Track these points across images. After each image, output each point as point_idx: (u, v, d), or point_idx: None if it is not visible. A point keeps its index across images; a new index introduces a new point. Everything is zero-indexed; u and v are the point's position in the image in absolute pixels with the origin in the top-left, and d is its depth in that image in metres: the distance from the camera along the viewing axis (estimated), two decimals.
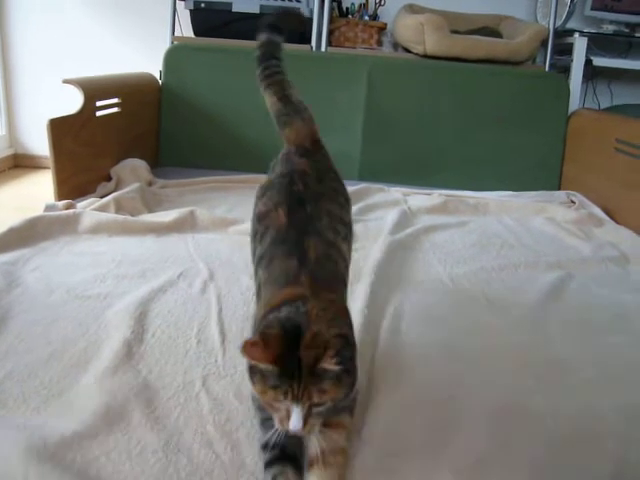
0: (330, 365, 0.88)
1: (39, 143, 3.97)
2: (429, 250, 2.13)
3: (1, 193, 3.29)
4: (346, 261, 1.26)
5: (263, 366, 0.91)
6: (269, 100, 1.51)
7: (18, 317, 1.48)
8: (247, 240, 2.06)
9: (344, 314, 1.08)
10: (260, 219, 1.28)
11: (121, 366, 1.31)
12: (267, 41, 1.54)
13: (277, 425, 0.95)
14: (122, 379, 1.26)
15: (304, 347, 0.91)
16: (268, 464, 1.01)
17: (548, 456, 1.11)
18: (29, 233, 1.95)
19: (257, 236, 1.28)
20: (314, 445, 0.97)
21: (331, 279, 1.16)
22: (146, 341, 1.41)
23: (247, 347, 0.90)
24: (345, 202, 1.37)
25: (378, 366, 1.36)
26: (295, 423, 0.91)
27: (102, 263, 1.81)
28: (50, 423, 1.11)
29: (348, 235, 1.32)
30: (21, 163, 4.04)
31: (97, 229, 2.04)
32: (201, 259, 1.89)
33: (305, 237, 1.17)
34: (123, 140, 2.91)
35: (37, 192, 3.29)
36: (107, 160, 2.76)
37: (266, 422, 1.04)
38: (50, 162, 2.31)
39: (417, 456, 1.09)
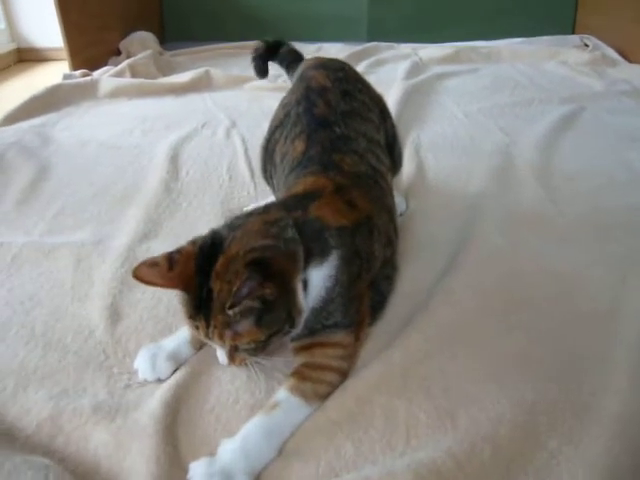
0: (241, 305, 0.73)
1: (42, 35, 3.88)
2: (442, 93, 2.16)
3: (9, 87, 3.27)
4: (394, 202, 1.10)
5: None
6: None
7: (58, 167, 1.57)
8: (265, 94, 2.13)
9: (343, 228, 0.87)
10: (282, 160, 1.10)
11: (163, 200, 1.41)
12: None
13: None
14: (165, 211, 1.37)
15: (215, 276, 0.75)
16: None
17: (561, 248, 1.21)
18: (51, 100, 2.01)
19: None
20: (299, 360, 0.87)
21: (376, 197, 1.00)
22: (181, 179, 1.50)
23: (140, 268, 0.76)
24: (380, 121, 1.18)
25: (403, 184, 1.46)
26: (220, 358, 0.82)
27: (127, 120, 1.88)
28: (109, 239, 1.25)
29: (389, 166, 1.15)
30: (25, 57, 3.95)
31: (116, 93, 2.09)
32: (221, 111, 1.95)
33: (334, 154, 1.00)
34: (127, 13, 2.86)
35: (46, 84, 3.29)
36: (114, 34, 2.74)
37: None
38: (60, 33, 2.31)
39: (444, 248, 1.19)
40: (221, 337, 0.77)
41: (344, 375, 0.86)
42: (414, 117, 1.90)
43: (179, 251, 0.79)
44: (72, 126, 1.85)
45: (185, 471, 0.74)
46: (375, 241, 0.95)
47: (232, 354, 0.81)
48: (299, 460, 0.76)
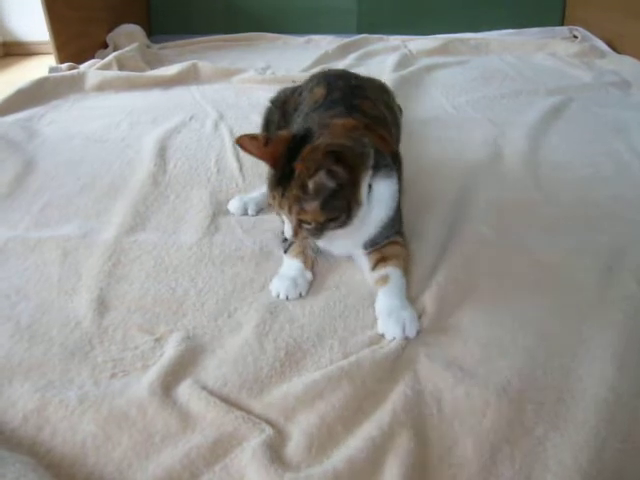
0: (313, 183, 0.90)
1: (28, 28, 3.83)
2: (430, 85, 2.16)
3: None
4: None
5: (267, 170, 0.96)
6: None
7: (44, 160, 1.56)
8: (253, 87, 2.12)
9: (383, 145, 1.08)
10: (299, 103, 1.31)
11: (150, 193, 1.40)
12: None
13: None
14: (153, 204, 1.36)
15: (300, 159, 0.92)
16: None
17: (548, 238, 1.21)
18: (38, 93, 1.99)
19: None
20: (374, 254, 1.06)
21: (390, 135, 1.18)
22: (169, 172, 1.49)
23: (243, 138, 0.95)
24: (390, 111, 1.33)
25: None
26: (286, 231, 0.97)
27: (114, 113, 1.86)
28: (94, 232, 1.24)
29: (397, 134, 1.30)
30: (12, 51, 3.90)
31: (103, 86, 2.07)
32: (209, 104, 1.94)
33: (354, 99, 1.19)
34: (114, 6, 2.84)
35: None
36: (101, 27, 2.72)
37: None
38: (46, 26, 2.29)
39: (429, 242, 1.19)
40: (290, 210, 0.94)
41: (408, 257, 1.08)
42: (403, 109, 1.89)
43: (276, 134, 0.97)
44: (58, 119, 1.83)
45: None
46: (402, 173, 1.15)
47: (297, 230, 0.96)
48: (294, 440, 0.78)
